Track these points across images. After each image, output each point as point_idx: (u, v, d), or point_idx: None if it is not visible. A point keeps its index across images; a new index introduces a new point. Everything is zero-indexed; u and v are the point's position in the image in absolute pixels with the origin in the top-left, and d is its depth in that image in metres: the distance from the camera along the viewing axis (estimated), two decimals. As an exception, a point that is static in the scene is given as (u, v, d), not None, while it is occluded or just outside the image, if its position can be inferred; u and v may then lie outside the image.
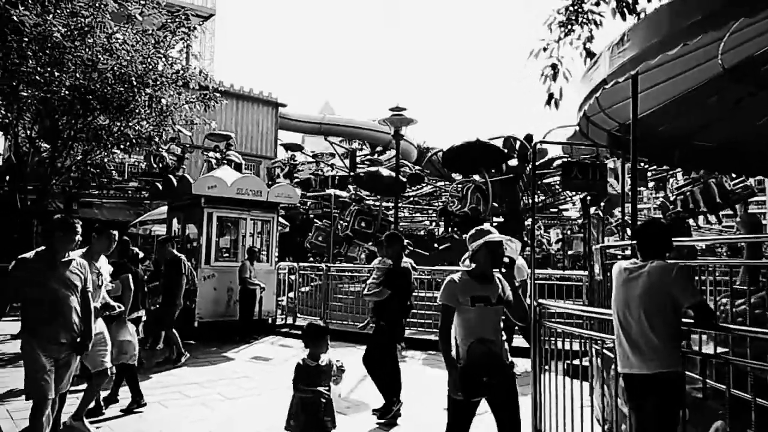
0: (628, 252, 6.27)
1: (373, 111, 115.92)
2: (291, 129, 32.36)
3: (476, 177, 14.55)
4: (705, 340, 3.59)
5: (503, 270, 3.55)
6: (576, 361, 5.07)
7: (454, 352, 3.44)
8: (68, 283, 4.13)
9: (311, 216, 21.07)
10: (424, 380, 7.41)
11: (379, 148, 38.82)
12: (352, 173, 19.35)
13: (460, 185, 14.56)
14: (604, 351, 5.14)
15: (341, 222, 16.42)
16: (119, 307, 5.23)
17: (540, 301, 4.83)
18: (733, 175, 12.89)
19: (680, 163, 8.98)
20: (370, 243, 16.84)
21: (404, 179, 16.00)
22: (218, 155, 14.07)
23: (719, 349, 3.45)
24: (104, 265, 5.16)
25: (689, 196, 13.00)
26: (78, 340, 4.17)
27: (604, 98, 6.01)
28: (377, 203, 17.25)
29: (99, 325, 4.80)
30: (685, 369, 3.38)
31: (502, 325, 3.57)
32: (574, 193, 14.39)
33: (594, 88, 5.50)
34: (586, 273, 10.35)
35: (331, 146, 38.49)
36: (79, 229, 4.26)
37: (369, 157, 33.07)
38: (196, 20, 24.84)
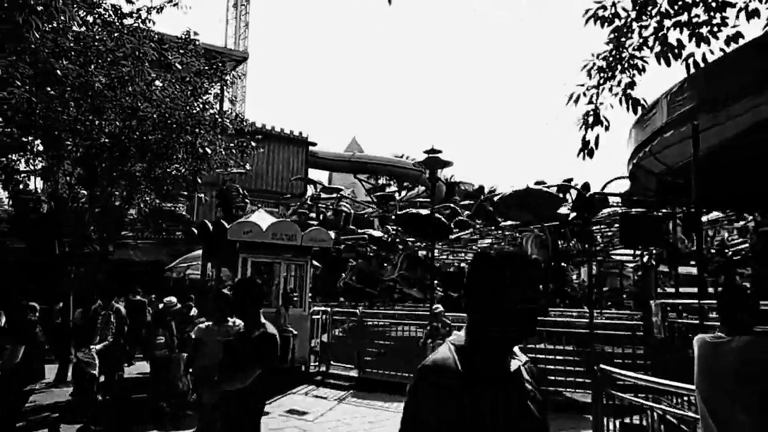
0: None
1: (400, 145, 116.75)
2: (321, 167, 32.60)
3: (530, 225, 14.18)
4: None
5: None
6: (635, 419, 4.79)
7: None
8: None
9: (343, 255, 20.90)
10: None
11: (406, 184, 38.86)
12: (393, 215, 19.20)
13: (516, 233, 14.11)
14: (667, 417, 4.77)
15: (387, 265, 16.22)
16: None
17: (603, 367, 4.49)
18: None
19: (739, 207, 8.58)
20: (415, 289, 16.59)
21: (449, 223, 15.70)
22: None
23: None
24: None
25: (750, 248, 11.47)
26: None
27: (657, 143, 5.76)
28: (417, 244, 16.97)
29: None
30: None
31: None
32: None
33: (650, 136, 5.29)
34: (634, 316, 9.90)
35: (359, 183, 38.68)
36: None
37: (405, 196, 33.05)
38: (230, 64, 25.52)
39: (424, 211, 15.52)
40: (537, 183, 15.48)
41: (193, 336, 4.63)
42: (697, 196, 5.44)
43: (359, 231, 21.12)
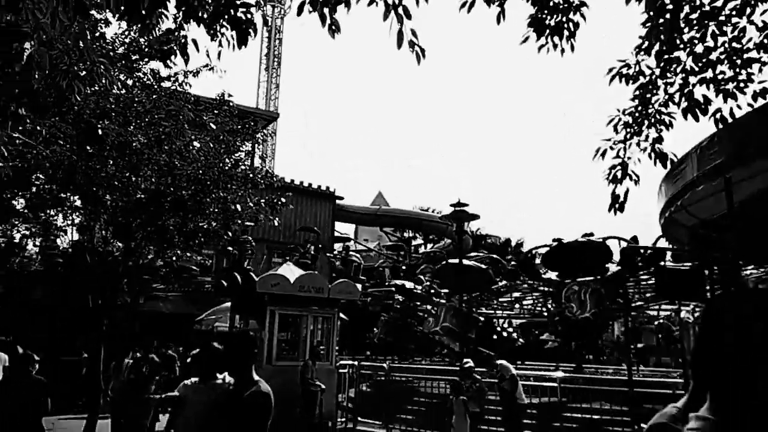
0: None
1: (425, 198, 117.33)
2: (347, 220, 32.88)
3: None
4: None
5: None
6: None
7: None
8: None
9: (370, 308, 20.77)
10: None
11: (432, 237, 38.86)
12: (404, 266, 19.18)
13: (575, 287, 13.63)
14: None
15: (428, 318, 15.88)
16: None
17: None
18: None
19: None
20: (457, 343, 15.98)
21: (493, 274, 15.19)
22: None
23: None
24: None
25: None
26: None
27: (689, 196, 5.72)
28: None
29: None
30: None
31: None
32: None
33: (681, 190, 5.27)
34: (671, 373, 9.51)
35: (385, 235, 38.84)
36: None
37: (435, 247, 32.96)
38: (261, 123, 26.43)
39: (466, 261, 14.78)
40: (554, 240, 15.32)
41: (177, 394, 4.00)
42: (735, 250, 5.35)
43: (371, 282, 20.93)
